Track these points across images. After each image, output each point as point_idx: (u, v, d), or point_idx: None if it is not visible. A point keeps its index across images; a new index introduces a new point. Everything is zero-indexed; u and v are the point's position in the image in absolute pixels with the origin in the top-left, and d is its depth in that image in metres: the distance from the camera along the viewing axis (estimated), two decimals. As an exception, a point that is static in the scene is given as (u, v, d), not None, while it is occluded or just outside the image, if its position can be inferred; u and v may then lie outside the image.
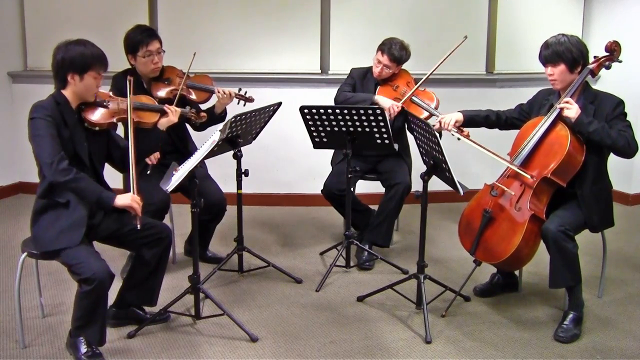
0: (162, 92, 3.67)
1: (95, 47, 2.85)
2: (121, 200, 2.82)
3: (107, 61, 2.87)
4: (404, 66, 4.14)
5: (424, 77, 3.99)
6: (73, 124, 2.84)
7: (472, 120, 3.50)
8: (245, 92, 3.83)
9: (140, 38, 3.57)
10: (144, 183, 3.55)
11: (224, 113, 3.86)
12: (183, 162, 3.08)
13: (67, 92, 2.83)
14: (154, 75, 3.68)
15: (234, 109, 3.80)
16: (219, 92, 3.73)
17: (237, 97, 3.80)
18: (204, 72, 3.96)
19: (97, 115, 2.93)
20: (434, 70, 4.00)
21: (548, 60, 3.18)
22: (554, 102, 3.22)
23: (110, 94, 3.04)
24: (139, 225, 2.82)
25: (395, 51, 3.98)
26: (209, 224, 3.87)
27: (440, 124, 3.45)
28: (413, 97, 3.98)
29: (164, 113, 3.27)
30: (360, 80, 4.18)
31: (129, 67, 3.70)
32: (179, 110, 3.33)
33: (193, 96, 3.75)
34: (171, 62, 3.79)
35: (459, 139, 3.36)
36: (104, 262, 2.76)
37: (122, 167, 3.11)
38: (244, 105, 3.80)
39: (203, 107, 3.87)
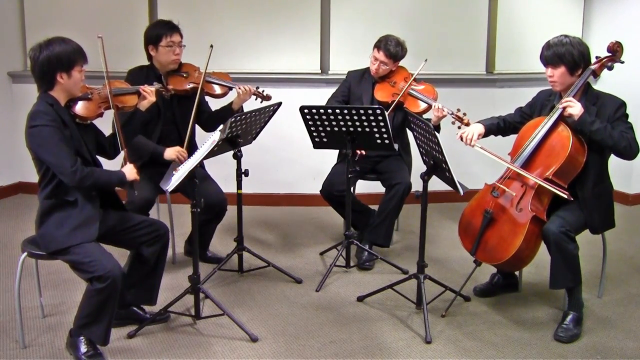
0: (180, 85, 3.72)
1: (72, 41, 2.83)
2: (128, 172, 2.95)
3: (85, 53, 2.87)
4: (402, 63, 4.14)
5: (403, 91, 3.98)
6: (69, 122, 2.85)
7: (490, 130, 3.43)
8: (263, 91, 3.86)
9: (164, 30, 3.66)
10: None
11: (241, 111, 3.86)
12: (183, 162, 3.08)
13: (55, 93, 2.80)
14: (172, 68, 3.74)
15: (247, 102, 3.84)
16: (239, 88, 3.77)
17: (254, 95, 3.82)
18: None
19: (86, 109, 2.94)
20: (407, 88, 4.00)
21: (549, 62, 3.17)
22: (556, 103, 3.22)
23: (87, 85, 3.03)
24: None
25: (391, 47, 3.99)
26: (209, 224, 3.87)
27: (462, 139, 3.36)
28: (410, 90, 3.98)
29: (140, 95, 3.28)
30: (357, 82, 4.19)
31: (138, 66, 3.76)
32: (153, 89, 3.32)
33: (213, 90, 3.80)
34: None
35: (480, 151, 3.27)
36: (116, 260, 2.77)
37: (114, 152, 3.16)
38: (261, 102, 3.82)
39: (220, 103, 3.89)
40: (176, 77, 3.75)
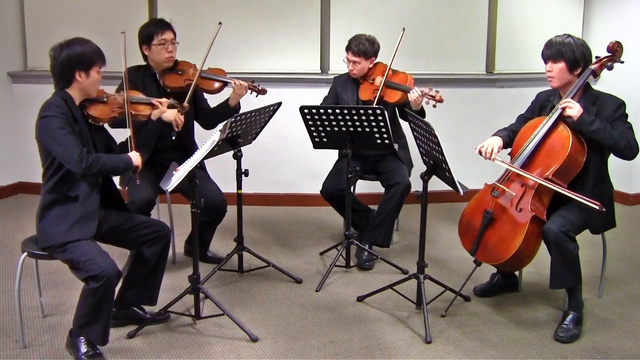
0: (176, 82, 3.71)
1: (92, 42, 2.91)
2: (134, 157, 2.96)
3: (104, 55, 2.93)
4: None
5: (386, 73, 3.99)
6: (80, 119, 2.89)
7: (505, 142, 3.39)
8: (258, 85, 3.83)
9: (155, 28, 3.66)
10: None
11: (238, 106, 3.85)
12: (183, 162, 3.08)
13: (71, 90, 2.87)
14: (167, 66, 3.73)
15: (246, 102, 3.81)
16: (235, 84, 3.74)
17: (250, 89, 3.80)
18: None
19: (99, 111, 2.99)
20: (389, 69, 4.00)
21: (550, 56, 3.18)
22: (555, 103, 3.22)
23: (104, 90, 3.08)
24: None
25: (357, 45, 4.00)
26: (210, 225, 3.87)
27: (481, 153, 3.32)
28: (387, 82, 3.98)
29: (154, 105, 3.30)
30: (342, 85, 4.21)
31: (135, 65, 3.75)
32: (166, 100, 3.35)
33: (209, 87, 3.78)
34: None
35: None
36: (112, 260, 2.77)
37: None
38: (256, 96, 3.81)
39: (216, 99, 3.88)
40: (172, 75, 3.74)
